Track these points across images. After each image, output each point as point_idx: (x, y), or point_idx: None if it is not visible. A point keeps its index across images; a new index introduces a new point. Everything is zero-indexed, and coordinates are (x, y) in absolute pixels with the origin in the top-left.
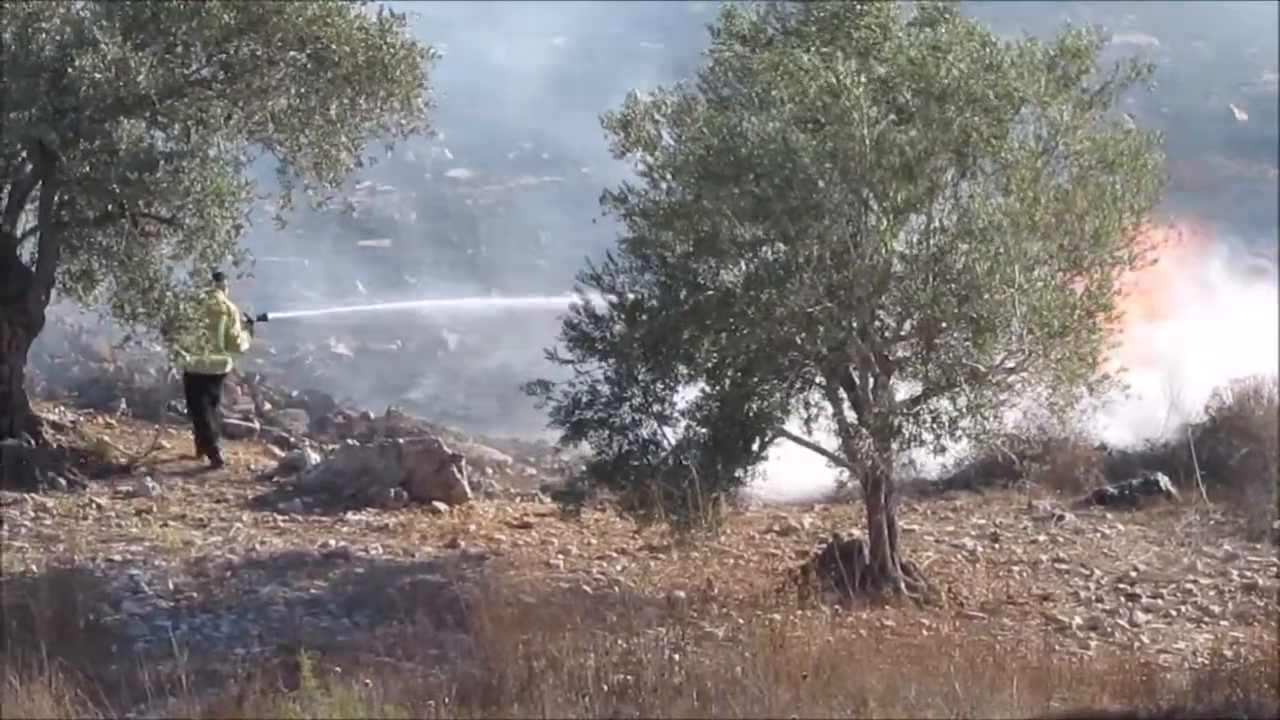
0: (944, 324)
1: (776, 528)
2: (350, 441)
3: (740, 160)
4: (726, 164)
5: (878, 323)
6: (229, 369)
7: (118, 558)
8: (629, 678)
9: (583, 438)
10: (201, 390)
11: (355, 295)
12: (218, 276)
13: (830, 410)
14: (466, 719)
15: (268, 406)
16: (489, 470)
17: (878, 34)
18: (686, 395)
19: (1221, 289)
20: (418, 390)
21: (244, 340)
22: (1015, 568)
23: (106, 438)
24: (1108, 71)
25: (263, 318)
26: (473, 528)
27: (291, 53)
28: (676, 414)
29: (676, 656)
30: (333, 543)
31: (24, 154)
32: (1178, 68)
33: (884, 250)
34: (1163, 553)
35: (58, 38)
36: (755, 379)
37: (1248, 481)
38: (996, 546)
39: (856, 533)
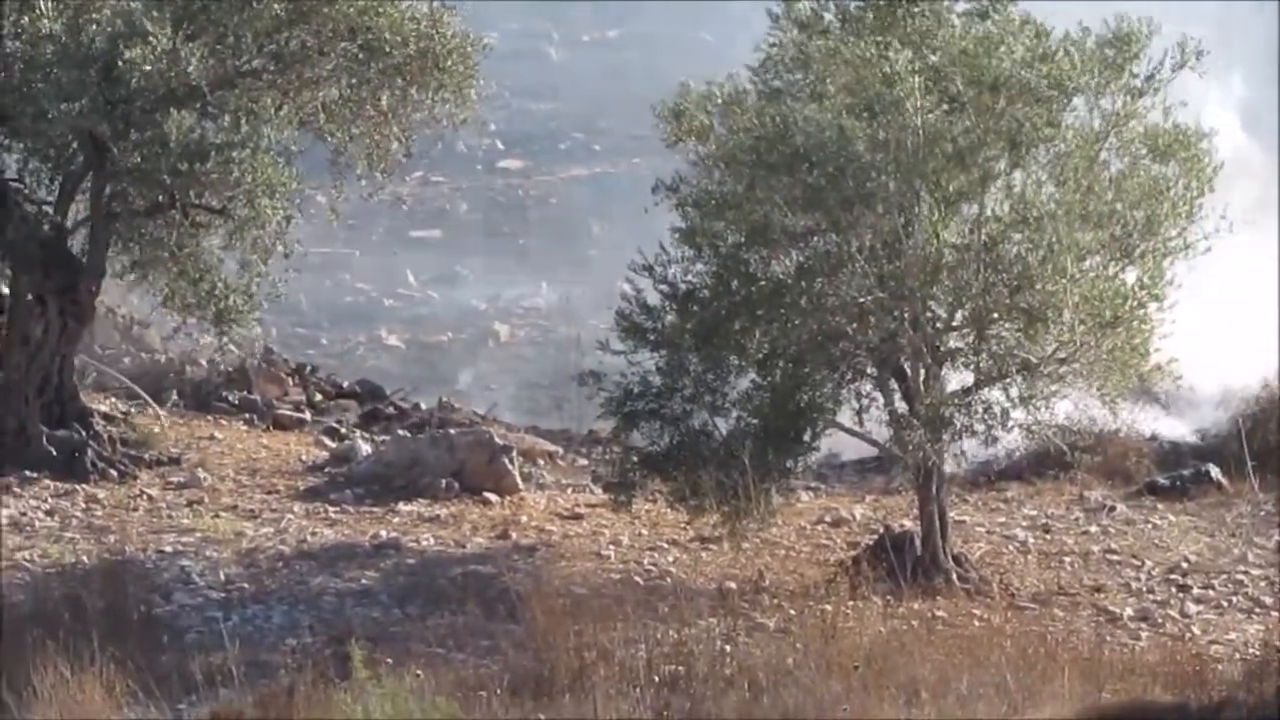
0: (996, 314)
1: (828, 519)
2: (401, 433)
3: (794, 150)
4: (779, 154)
5: (929, 313)
6: None
7: (169, 549)
8: (680, 669)
9: (634, 428)
10: None
11: (406, 286)
12: None
13: (881, 401)
14: (518, 710)
15: (319, 397)
16: (540, 461)
17: (932, 22)
18: (738, 386)
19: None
20: (469, 381)
21: None
22: (1066, 559)
23: (157, 429)
24: (1157, 60)
25: None
26: (524, 519)
27: (342, 44)
28: (728, 404)
29: (728, 647)
30: (384, 534)
31: (75, 145)
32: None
33: (936, 240)
34: (1214, 543)
35: (108, 29)
36: (807, 369)
37: None
38: (1048, 537)
39: (908, 524)
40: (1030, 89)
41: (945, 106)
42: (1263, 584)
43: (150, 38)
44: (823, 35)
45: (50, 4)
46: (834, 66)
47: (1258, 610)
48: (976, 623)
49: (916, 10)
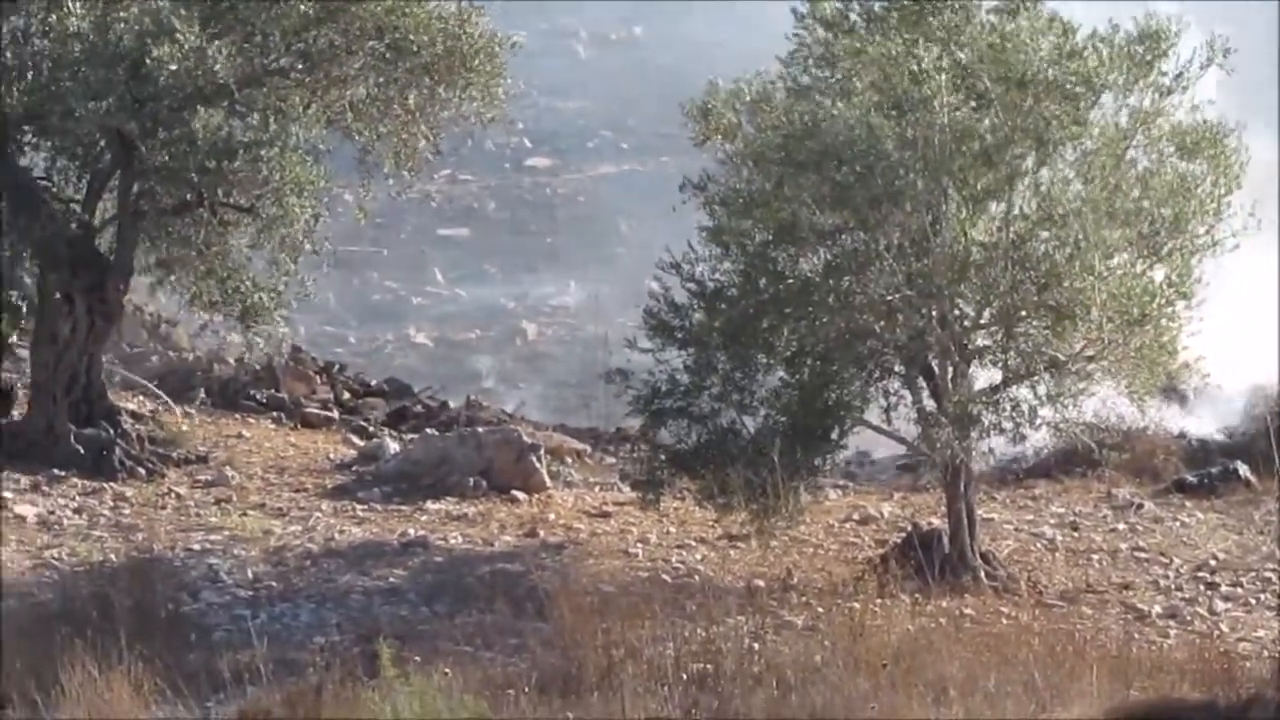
0: (1024, 312)
1: (856, 516)
2: (429, 431)
3: (822, 148)
4: (807, 151)
5: (957, 311)
6: None
7: (196, 547)
8: (708, 667)
9: (662, 426)
10: None
11: (434, 284)
12: None
13: (909, 399)
14: (546, 708)
15: (346, 396)
16: (568, 459)
17: (960, 19)
18: (766, 384)
19: None
20: (497, 379)
21: None
22: (1094, 556)
23: (185, 427)
24: (1185, 58)
25: None
26: (552, 517)
27: (370, 42)
28: (756, 402)
29: (756, 645)
30: (412, 532)
31: (102, 143)
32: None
33: (964, 238)
34: (1242, 541)
35: (136, 27)
36: (834, 367)
37: None
38: (1076, 535)
39: (936, 521)
40: (1058, 86)
41: (973, 104)
42: None
43: (178, 36)
44: (848, 34)
45: (78, 2)
46: (860, 64)
47: None
48: (1004, 621)
49: (944, 6)
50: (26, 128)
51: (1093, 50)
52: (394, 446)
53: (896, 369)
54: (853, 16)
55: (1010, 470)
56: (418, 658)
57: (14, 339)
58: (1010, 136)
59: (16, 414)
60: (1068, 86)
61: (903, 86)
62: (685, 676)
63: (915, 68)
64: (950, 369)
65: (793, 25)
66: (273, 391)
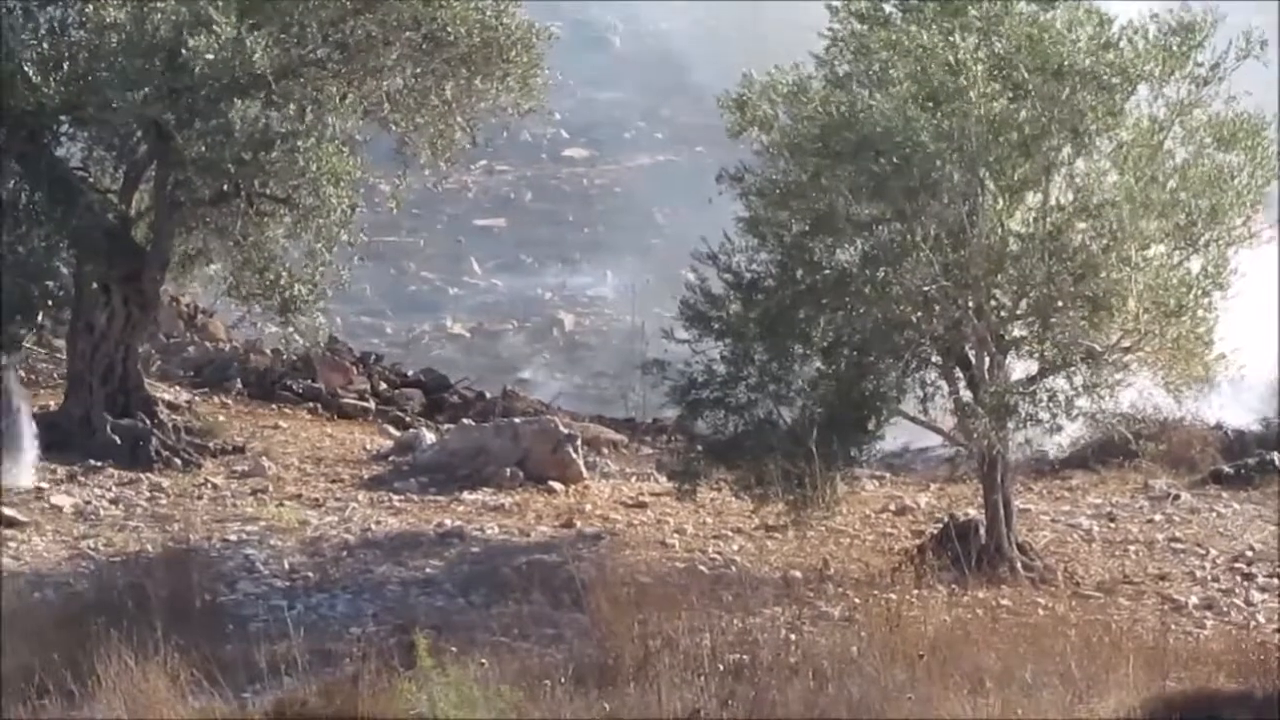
0: (1060, 303)
1: (892, 507)
2: (466, 421)
3: (859, 138)
4: (844, 142)
5: (994, 302)
6: None
7: (233, 537)
8: (745, 657)
9: (699, 417)
10: None
11: (470, 275)
12: None
13: (946, 389)
14: (582, 699)
15: (383, 386)
16: (604, 450)
17: (997, 9)
18: (803, 374)
19: None
20: (533, 370)
21: None
22: (1131, 547)
23: (221, 418)
24: (1221, 49)
25: None
26: (588, 507)
27: (407, 33)
28: (792, 393)
29: (792, 636)
30: (448, 522)
31: (139, 134)
32: None
33: (1000, 229)
34: (1278, 532)
35: (173, 18)
36: (871, 358)
37: None
38: (1112, 526)
39: (972, 512)
40: (1094, 77)
41: (1009, 95)
42: None
43: (215, 26)
44: (883, 26)
45: None
46: (897, 55)
47: None
48: (1041, 612)
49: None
50: (63, 118)
51: (1128, 41)
52: (430, 437)
53: (933, 360)
54: (887, 9)
55: (1047, 461)
56: (454, 648)
57: (50, 329)
58: (1047, 127)
59: (52, 404)
60: (1104, 77)
61: (939, 77)
62: (721, 667)
63: (952, 59)
64: (987, 359)
65: (827, 20)
66: (309, 382)
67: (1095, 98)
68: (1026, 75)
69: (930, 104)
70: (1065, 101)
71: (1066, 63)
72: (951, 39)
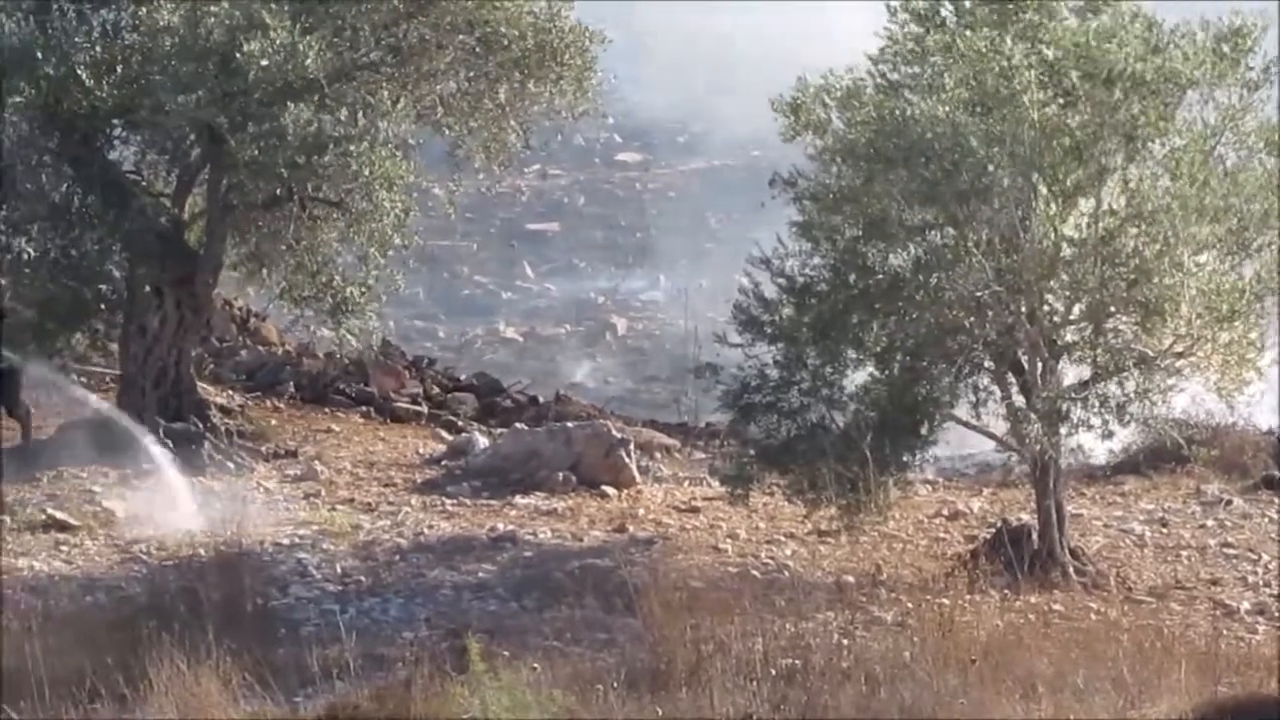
0: (1113, 308)
1: (945, 512)
2: (518, 426)
3: (910, 144)
4: (895, 147)
5: (1046, 307)
6: None
7: (285, 541)
8: (797, 662)
9: (751, 422)
10: None
11: (523, 279)
12: None
13: (999, 394)
14: (634, 704)
15: (436, 390)
16: (657, 454)
17: (1045, 16)
18: (855, 379)
19: None
20: (586, 374)
21: None
22: (1183, 552)
23: (274, 421)
24: (1272, 54)
25: None
26: (641, 512)
27: (460, 36)
28: (845, 398)
29: (845, 641)
30: (501, 527)
31: (192, 138)
32: None
33: (1053, 234)
34: None
35: (226, 22)
36: (924, 363)
37: None
38: (1164, 531)
39: (1025, 517)
40: (1145, 82)
41: (1060, 101)
42: None
43: (268, 30)
44: (939, 29)
45: None
46: (950, 60)
47: None
48: (1093, 616)
49: (1030, 4)
50: (117, 121)
51: (1178, 46)
52: (483, 441)
53: (986, 365)
54: (944, 11)
55: (1099, 466)
56: (506, 653)
57: (103, 332)
58: (1098, 133)
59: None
60: (1154, 83)
61: (991, 83)
62: (774, 672)
63: (1004, 63)
64: (1039, 365)
65: (885, 20)
66: (362, 386)
67: (1146, 103)
68: (1076, 81)
69: (981, 109)
70: (1116, 107)
71: (1117, 69)
72: (1000, 47)
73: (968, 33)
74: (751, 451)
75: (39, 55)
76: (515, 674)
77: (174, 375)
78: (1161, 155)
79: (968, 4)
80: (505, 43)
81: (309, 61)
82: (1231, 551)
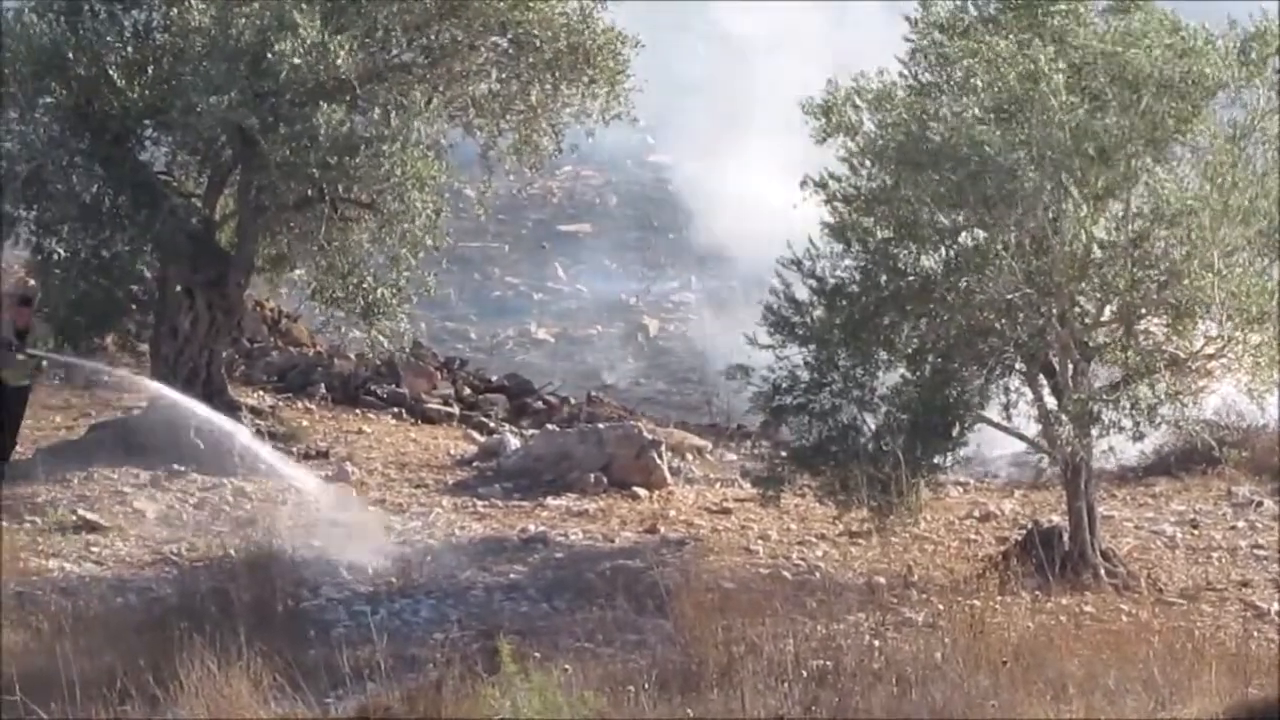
0: (1143, 310)
1: (976, 513)
2: (550, 427)
3: (938, 147)
4: (922, 151)
5: (1077, 309)
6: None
7: (317, 542)
8: (828, 663)
9: (783, 423)
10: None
11: (555, 280)
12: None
13: (1030, 396)
14: (666, 705)
15: (467, 391)
16: (688, 456)
17: (1071, 20)
18: (887, 381)
19: None
20: (618, 375)
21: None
22: (1214, 554)
23: (305, 423)
24: None
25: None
26: (672, 513)
27: (493, 38)
28: (876, 399)
29: (876, 642)
30: (532, 528)
31: (223, 138)
32: None
33: (1084, 236)
34: None
35: (257, 22)
36: (955, 365)
37: None
38: (1195, 533)
39: (1056, 519)
40: (1172, 85)
41: (1087, 104)
42: None
43: (300, 31)
44: (963, 35)
45: None
46: (976, 65)
47: None
48: (1124, 618)
49: (1055, 9)
50: (148, 122)
51: (1204, 48)
52: (515, 442)
53: (1017, 366)
54: (967, 19)
55: (1130, 467)
56: (538, 654)
57: (135, 333)
58: (1127, 135)
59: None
60: (1182, 85)
61: (1019, 86)
62: (805, 673)
63: (1031, 67)
64: (1070, 367)
65: (908, 29)
66: (393, 387)
67: (1173, 106)
68: (1104, 84)
69: (1007, 113)
70: (1144, 109)
71: (1144, 71)
72: (1026, 51)
73: (992, 38)
74: (783, 453)
75: (70, 56)
76: (546, 675)
77: (205, 376)
78: (1190, 157)
79: (993, 9)
80: (538, 44)
81: (340, 62)
82: (1262, 553)
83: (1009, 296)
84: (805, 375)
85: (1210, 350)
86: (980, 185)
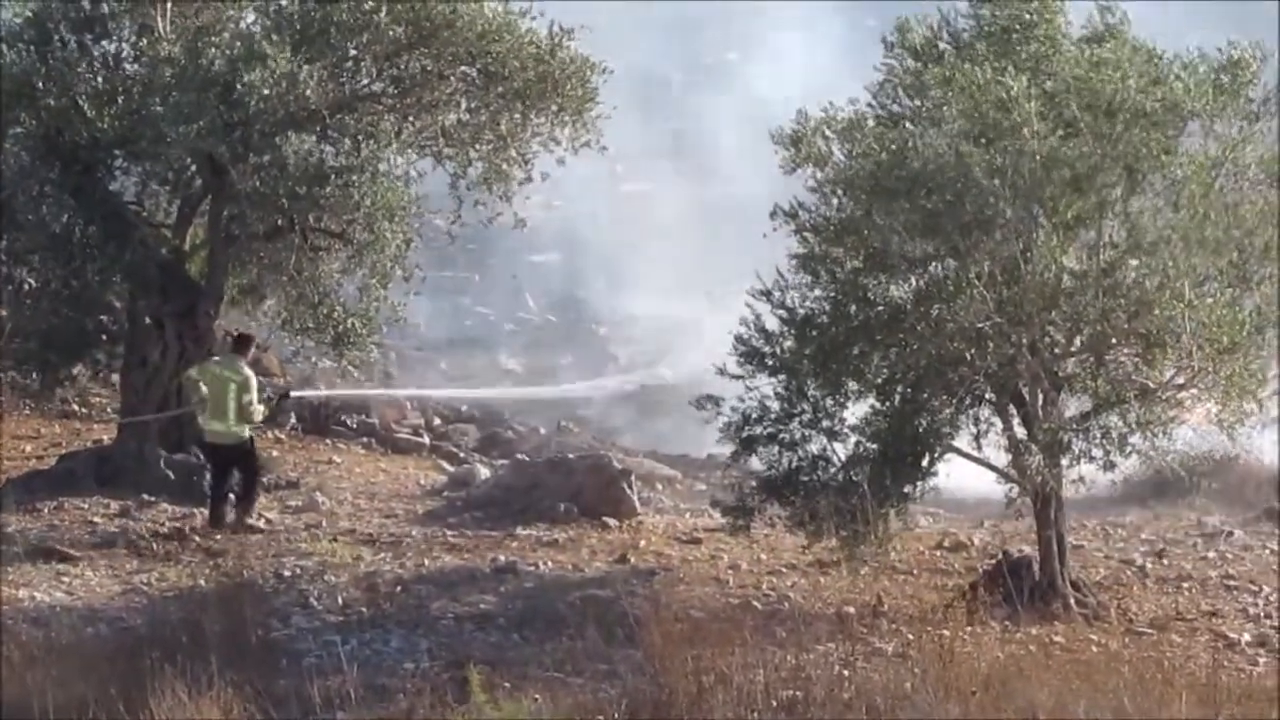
0: (1114, 340)
1: (946, 543)
2: (520, 457)
3: (911, 175)
4: (897, 179)
5: (1048, 339)
6: (245, 438)
7: (287, 572)
8: (798, 693)
9: (752, 453)
10: (222, 459)
11: (525, 310)
12: (242, 340)
13: (1000, 426)
14: None
15: (437, 422)
16: (658, 486)
17: (1047, 48)
18: (856, 411)
19: None
20: (587, 406)
21: (258, 413)
22: (1184, 584)
23: (275, 453)
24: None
25: (285, 396)
26: (642, 543)
27: (462, 67)
28: (846, 429)
29: (846, 672)
30: (502, 558)
31: (193, 168)
32: None
33: (1054, 266)
34: None
35: (227, 52)
36: (925, 395)
37: None
38: (1165, 563)
39: (1026, 549)
40: (1146, 114)
41: (1061, 132)
42: None
43: (269, 61)
44: (938, 62)
45: (169, 27)
46: (950, 93)
47: None
48: (1094, 648)
49: (1031, 36)
50: (118, 152)
51: (1178, 78)
52: (485, 472)
53: (987, 396)
54: (941, 45)
55: (1100, 498)
56: (508, 684)
57: (104, 363)
58: (1099, 164)
59: (106, 438)
60: (1156, 114)
61: (992, 115)
62: (775, 703)
63: (1004, 94)
64: (1041, 396)
65: (882, 55)
66: (364, 417)
67: (1147, 135)
68: (1078, 113)
69: (983, 141)
70: (1117, 139)
71: (1118, 100)
72: (1001, 78)
73: (967, 65)
74: (753, 483)
75: (40, 86)
76: (516, 705)
77: (175, 406)
78: (1162, 187)
79: (967, 37)
80: (507, 74)
81: (310, 92)
82: (1232, 583)
83: (979, 326)
84: (775, 405)
85: (1180, 380)
86: (957, 212)
